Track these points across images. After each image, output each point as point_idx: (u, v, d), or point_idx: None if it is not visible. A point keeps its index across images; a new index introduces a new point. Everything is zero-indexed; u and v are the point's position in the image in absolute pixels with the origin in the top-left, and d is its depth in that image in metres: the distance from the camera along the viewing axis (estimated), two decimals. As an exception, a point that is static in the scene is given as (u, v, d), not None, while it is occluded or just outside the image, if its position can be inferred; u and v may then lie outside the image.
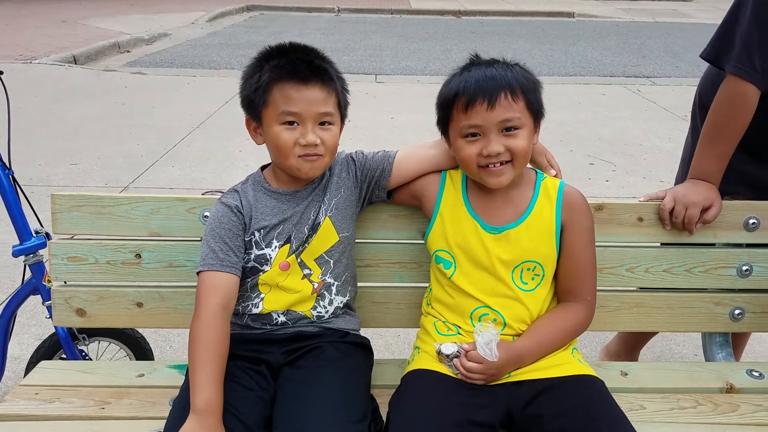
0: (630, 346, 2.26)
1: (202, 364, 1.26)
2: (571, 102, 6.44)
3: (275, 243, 1.42)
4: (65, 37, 9.61)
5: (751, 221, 1.61)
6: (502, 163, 1.35)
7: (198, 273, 1.38)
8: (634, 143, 5.11)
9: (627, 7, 15.16)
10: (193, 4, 13.72)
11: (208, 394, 1.22)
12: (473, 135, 1.35)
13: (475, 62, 1.40)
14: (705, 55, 1.67)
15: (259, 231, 1.41)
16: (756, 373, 1.59)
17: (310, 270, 1.45)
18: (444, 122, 1.42)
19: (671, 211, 1.58)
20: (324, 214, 1.44)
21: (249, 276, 1.43)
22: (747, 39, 1.53)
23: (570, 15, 14.21)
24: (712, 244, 1.65)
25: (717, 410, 1.46)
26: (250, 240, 1.42)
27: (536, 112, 1.38)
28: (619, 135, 5.31)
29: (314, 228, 1.44)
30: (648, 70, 8.34)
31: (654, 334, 2.28)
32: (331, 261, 1.46)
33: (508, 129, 1.33)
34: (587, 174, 4.49)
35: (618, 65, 8.69)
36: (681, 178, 1.87)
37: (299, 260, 1.43)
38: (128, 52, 9.20)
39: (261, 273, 1.43)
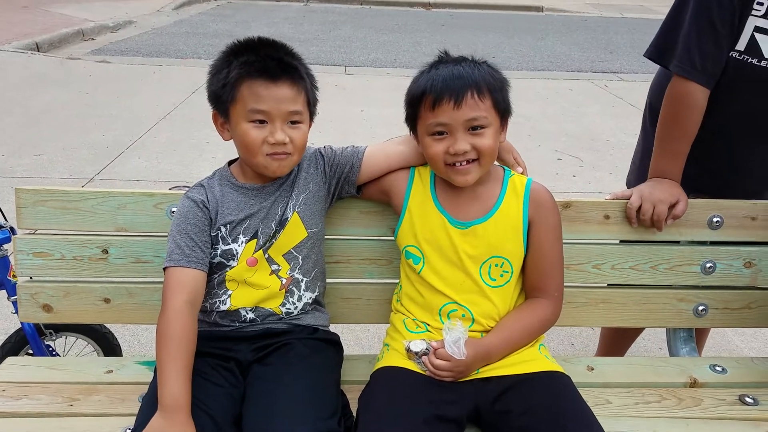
0: (614, 350, 2.24)
1: (169, 359, 1.25)
2: (539, 97, 6.51)
3: (242, 238, 1.41)
4: (27, 23, 9.29)
5: (714, 219, 1.66)
6: (468, 162, 1.36)
7: (164, 269, 1.37)
8: (601, 139, 5.21)
9: (595, 2, 15.36)
10: (160, -9, 13.40)
11: (175, 389, 1.22)
12: (440, 133, 1.36)
13: (444, 60, 1.41)
14: (648, 54, 1.72)
15: (225, 226, 1.41)
16: (719, 368, 1.64)
17: (279, 266, 1.44)
18: (412, 119, 1.43)
19: (638, 210, 1.62)
20: (292, 210, 1.44)
21: (216, 272, 1.43)
22: (687, 39, 1.58)
23: (539, 9, 14.33)
24: (677, 242, 1.69)
25: (681, 404, 1.50)
26: (217, 235, 1.41)
27: (503, 111, 1.40)
28: (587, 130, 5.41)
29: (282, 223, 1.43)
30: (615, 65, 8.49)
31: (637, 334, 2.29)
32: (300, 257, 1.46)
33: (474, 128, 1.35)
34: (554, 169, 4.56)
35: (586, 60, 8.82)
36: (634, 181, 1.89)
37: (267, 256, 1.43)
38: (92, 39, 8.95)
39: (228, 269, 1.42)
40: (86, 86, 6.21)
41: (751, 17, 1.52)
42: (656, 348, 2.60)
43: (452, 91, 1.32)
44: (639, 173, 1.89)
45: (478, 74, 1.35)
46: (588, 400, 1.33)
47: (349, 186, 1.51)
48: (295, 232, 1.44)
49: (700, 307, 1.72)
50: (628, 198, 1.64)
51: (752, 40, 1.54)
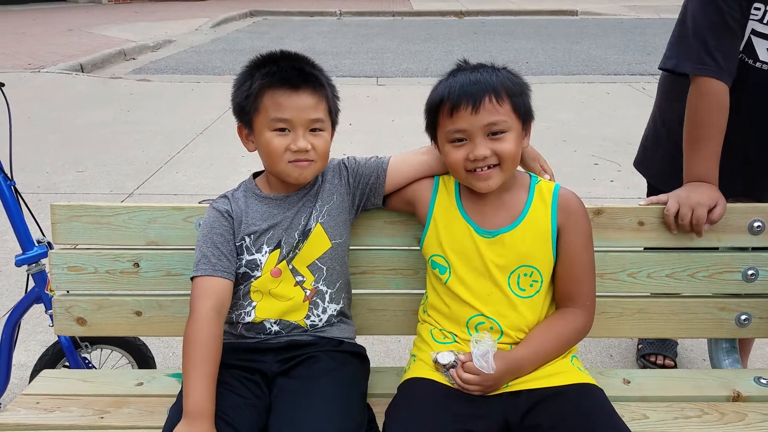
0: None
1: (194, 366, 1.26)
2: (575, 101, 6.40)
3: (265, 248, 1.42)
4: (72, 45, 9.68)
5: (756, 224, 1.59)
6: (489, 167, 1.34)
7: (192, 279, 1.39)
8: (639, 142, 5.06)
9: (631, 5, 15.09)
10: (197, 11, 13.79)
11: (198, 396, 1.22)
12: (460, 140, 1.35)
13: (462, 67, 1.40)
14: (663, 66, 1.73)
15: (249, 236, 1.42)
16: (764, 381, 1.56)
17: (303, 277, 1.45)
18: (432, 128, 1.42)
19: (676, 215, 1.56)
20: (315, 221, 1.44)
21: (241, 282, 1.44)
22: (703, 40, 1.59)
23: (573, 13, 14.16)
24: (716, 248, 1.62)
25: (723, 419, 1.43)
26: (241, 245, 1.42)
27: (523, 115, 1.37)
28: (624, 134, 5.27)
29: (305, 234, 1.43)
30: (653, 68, 8.22)
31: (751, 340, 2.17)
32: (324, 268, 1.46)
33: (494, 133, 1.33)
34: (591, 174, 4.46)
35: (622, 63, 8.64)
36: (651, 161, 2.07)
37: (291, 267, 1.43)
38: (134, 59, 9.26)
39: (253, 279, 1.43)
40: (127, 104, 6.41)
41: (750, 21, 1.60)
42: (699, 359, 2.49)
43: (470, 96, 1.31)
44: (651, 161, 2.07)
45: (496, 79, 1.33)
46: (624, 415, 1.29)
47: (375, 197, 1.51)
48: (318, 243, 1.44)
49: (743, 317, 1.64)
50: (664, 203, 1.58)
51: (749, 42, 1.62)
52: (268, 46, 9.98)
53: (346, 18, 14.03)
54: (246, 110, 1.40)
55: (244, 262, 1.42)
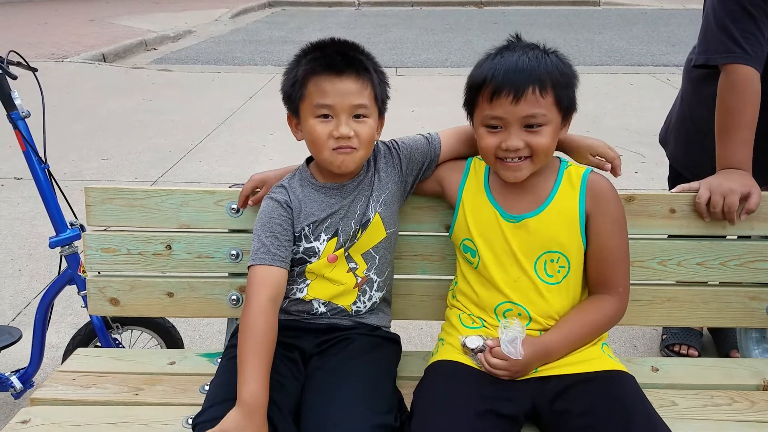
0: None
1: (250, 356, 1.26)
2: (598, 92, 6.33)
3: (323, 236, 1.43)
4: (94, 35, 9.78)
5: (789, 212, 1.57)
6: (520, 159, 1.31)
7: (249, 267, 1.39)
8: (663, 134, 5.00)
9: (655, -5, 14.84)
10: (217, 2, 13.83)
11: (254, 387, 1.22)
12: (494, 126, 1.32)
13: (511, 45, 1.34)
14: (696, 63, 1.75)
15: (308, 226, 1.43)
16: (794, 370, 1.54)
17: (356, 264, 1.46)
18: (470, 104, 1.38)
19: (708, 203, 1.54)
20: (374, 211, 1.45)
21: (297, 265, 1.45)
22: (730, 30, 1.61)
23: (596, 3, 13.97)
24: (749, 237, 1.61)
25: (753, 408, 1.41)
26: (300, 234, 1.43)
27: (566, 108, 1.33)
28: (648, 125, 5.20)
29: (364, 224, 1.44)
30: (678, 59, 8.13)
31: None
32: (377, 257, 1.47)
33: (530, 125, 1.29)
34: (615, 166, 4.41)
35: (646, 54, 8.52)
36: (672, 141, 2.10)
37: (347, 254, 1.45)
38: (155, 49, 9.33)
39: (309, 263, 1.44)
40: (149, 94, 6.47)
41: None
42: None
43: (513, 84, 1.26)
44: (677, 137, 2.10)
45: (543, 68, 1.27)
46: (653, 402, 1.28)
47: (424, 179, 1.53)
48: (375, 232, 1.45)
49: (775, 306, 1.62)
50: (696, 191, 1.56)
51: None
52: (287, 37, 10.03)
53: (364, 8, 13.99)
54: (292, 98, 1.39)
55: (302, 249, 1.43)
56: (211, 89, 6.70)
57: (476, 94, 1.33)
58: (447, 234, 1.53)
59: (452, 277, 1.58)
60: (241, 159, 4.61)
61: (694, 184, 1.59)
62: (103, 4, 13.62)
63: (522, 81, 1.26)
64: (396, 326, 2.14)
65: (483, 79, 1.31)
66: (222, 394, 1.28)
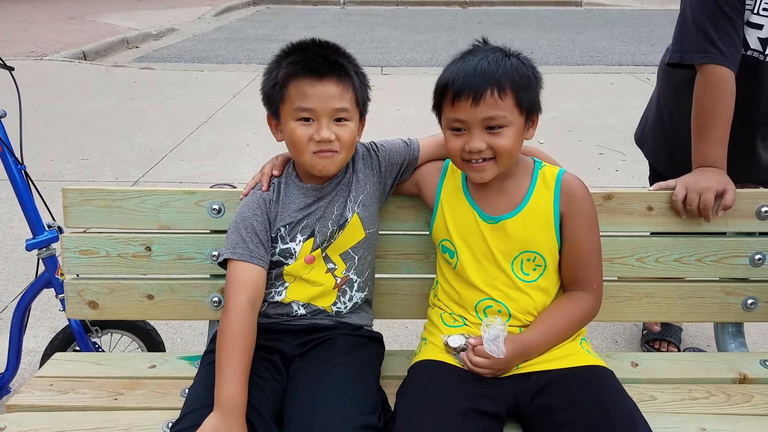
0: None
1: (228, 360, 1.26)
2: (580, 92, 6.39)
3: (299, 237, 1.43)
4: (74, 33, 9.65)
5: (763, 209, 1.59)
6: (484, 160, 1.33)
7: (226, 260, 1.38)
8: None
9: (636, -5, 14.99)
10: (201, 0, 13.72)
11: (232, 391, 1.22)
12: (458, 129, 1.33)
13: (475, 49, 1.36)
14: (670, 61, 1.77)
15: (284, 227, 1.42)
16: (770, 363, 1.57)
17: (335, 265, 1.45)
18: (437, 109, 1.40)
19: (684, 200, 1.56)
20: (351, 211, 1.44)
21: (274, 267, 1.44)
22: (707, 30, 1.64)
23: (578, 4, 14.09)
24: (724, 233, 1.63)
25: (730, 401, 1.44)
26: (276, 235, 1.42)
27: (527, 110, 1.34)
28: (629, 124, 5.17)
29: (341, 225, 1.44)
30: (657, 58, 8.14)
31: None
32: (356, 257, 1.47)
33: (492, 127, 1.30)
34: (596, 164, 4.46)
35: (627, 54, 8.61)
36: (649, 139, 2.16)
37: (324, 254, 1.44)
38: (137, 47, 9.23)
39: (286, 265, 1.44)
40: (131, 93, 6.40)
41: (744, 11, 1.65)
42: (704, 346, 2.50)
43: (472, 87, 1.28)
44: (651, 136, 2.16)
45: (502, 71, 1.29)
46: (632, 396, 1.29)
47: (402, 181, 1.53)
48: (353, 233, 1.45)
49: (749, 301, 1.65)
50: (672, 189, 1.59)
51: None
52: (271, 35, 9.98)
53: (349, 7, 13.97)
54: (272, 100, 1.39)
55: (278, 250, 1.43)
56: (194, 88, 6.64)
57: (441, 97, 1.36)
58: (429, 233, 1.54)
59: (435, 276, 1.58)
60: (224, 158, 4.58)
61: (671, 182, 1.61)
62: (84, 2, 13.45)
63: (480, 84, 1.28)
64: (381, 325, 2.15)
65: (445, 83, 1.33)
66: (201, 400, 1.27)
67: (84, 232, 1.65)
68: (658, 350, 2.39)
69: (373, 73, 7.29)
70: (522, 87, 1.31)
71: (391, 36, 10.16)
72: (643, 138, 2.25)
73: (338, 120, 1.36)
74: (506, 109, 1.29)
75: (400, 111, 5.72)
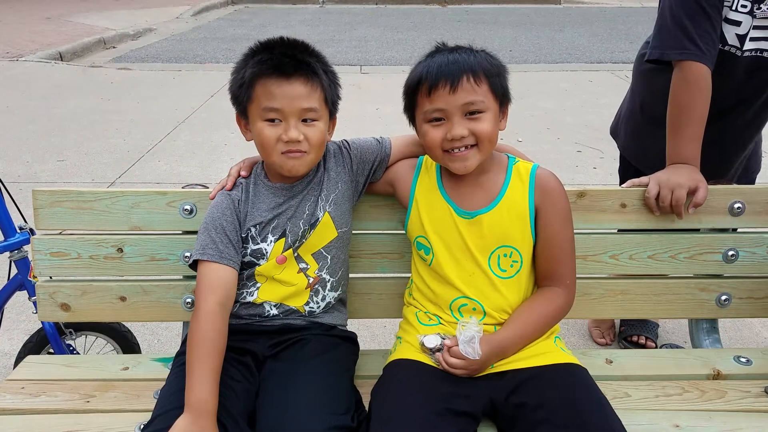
0: None
1: (198, 362, 1.25)
2: (558, 89, 6.43)
3: (270, 237, 1.41)
4: (50, 33, 9.49)
5: (736, 206, 1.61)
6: (467, 147, 1.34)
7: (196, 261, 1.36)
8: (621, 130, 5.10)
9: (614, -6, 15.14)
10: (179, -2, 13.57)
11: (203, 393, 1.21)
12: (437, 120, 1.35)
13: (440, 49, 1.40)
14: (649, 57, 1.77)
15: (254, 227, 1.41)
16: (743, 359, 1.58)
17: (307, 264, 1.44)
18: (410, 109, 1.41)
19: (657, 197, 1.58)
20: (323, 210, 1.43)
21: (246, 268, 1.43)
22: (684, 27, 1.65)
23: (557, 2, 14.18)
24: (697, 230, 1.65)
25: (703, 397, 1.45)
26: (247, 236, 1.41)
27: (501, 96, 1.37)
28: (607, 122, 5.24)
29: (313, 224, 1.43)
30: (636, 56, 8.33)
31: None
32: (329, 257, 1.46)
33: (471, 113, 1.33)
34: (575, 162, 4.49)
35: (605, 51, 8.69)
36: (622, 135, 2.16)
37: (296, 254, 1.43)
38: (114, 47, 9.10)
39: (258, 266, 1.43)
40: (108, 93, 6.32)
41: (723, 8, 1.66)
42: (681, 342, 2.54)
43: (448, 75, 1.31)
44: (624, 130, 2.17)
45: (474, 60, 1.33)
46: (606, 393, 1.30)
47: (374, 180, 1.52)
48: (325, 232, 1.44)
49: (723, 297, 1.67)
50: (645, 185, 1.60)
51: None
52: (250, 34, 9.90)
53: (328, 6, 13.92)
54: (240, 99, 1.37)
55: (249, 251, 1.41)
56: (171, 88, 6.57)
57: (414, 94, 1.37)
58: (404, 231, 1.53)
59: (411, 275, 1.58)
60: (201, 158, 4.53)
61: (643, 179, 1.62)
62: (60, 2, 13.23)
63: (456, 71, 1.31)
64: (359, 324, 2.14)
65: (419, 78, 1.35)
66: (172, 401, 1.25)
67: (61, 233, 1.62)
68: (636, 343, 2.41)
69: (353, 72, 7.29)
70: (494, 74, 1.35)
71: (371, 35, 10.14)
72: (617, 129, 2.26)
73: (307, 120, 1.35)
74: (483, 94, 1.33)
75: (379, 110, 5.71)
